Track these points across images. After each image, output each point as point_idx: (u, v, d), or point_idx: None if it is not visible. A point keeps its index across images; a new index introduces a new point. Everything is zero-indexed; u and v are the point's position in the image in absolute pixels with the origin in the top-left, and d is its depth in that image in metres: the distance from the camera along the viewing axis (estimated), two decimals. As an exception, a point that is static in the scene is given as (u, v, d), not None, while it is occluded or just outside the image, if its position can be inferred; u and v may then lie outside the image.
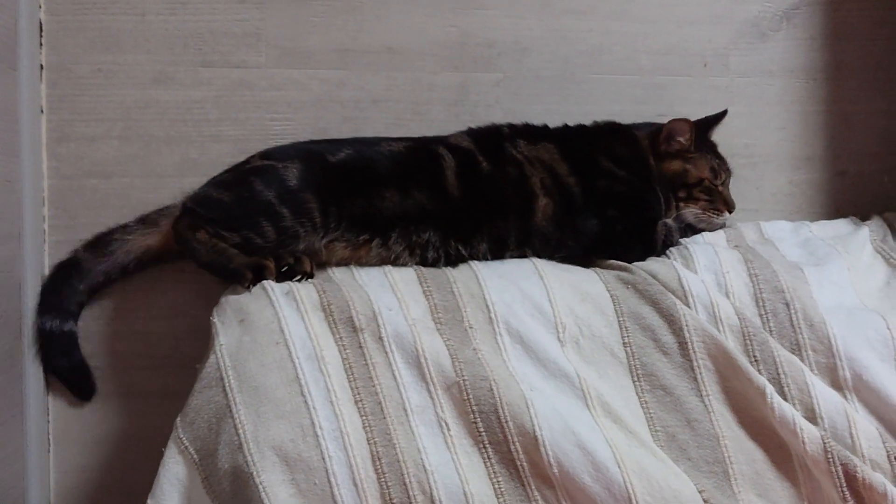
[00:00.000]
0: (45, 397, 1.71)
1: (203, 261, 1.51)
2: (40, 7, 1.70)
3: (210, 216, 1.51)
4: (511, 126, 1.68)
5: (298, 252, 1.50)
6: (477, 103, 1.79)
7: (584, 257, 1.57)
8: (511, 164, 1.60)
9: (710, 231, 1.68)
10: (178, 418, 1.37)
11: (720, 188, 1.68)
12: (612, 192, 1.60)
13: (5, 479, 1.58)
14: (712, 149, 1.72)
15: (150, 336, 1.72)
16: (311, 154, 1.57)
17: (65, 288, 1.64)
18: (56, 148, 1.72)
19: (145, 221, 1.63)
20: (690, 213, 1.67)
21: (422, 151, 1.60)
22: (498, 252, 1.56)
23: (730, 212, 1.68)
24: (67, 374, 1.67)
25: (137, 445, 1.72)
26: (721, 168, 1.70)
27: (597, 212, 1.58)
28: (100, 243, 1.64)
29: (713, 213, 1.67)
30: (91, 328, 1.72)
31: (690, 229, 1.68)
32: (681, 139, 1.66)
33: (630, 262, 1.54)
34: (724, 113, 1.73)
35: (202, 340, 1.48)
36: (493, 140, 1.64)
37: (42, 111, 1.71)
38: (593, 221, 1.57)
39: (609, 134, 1.69)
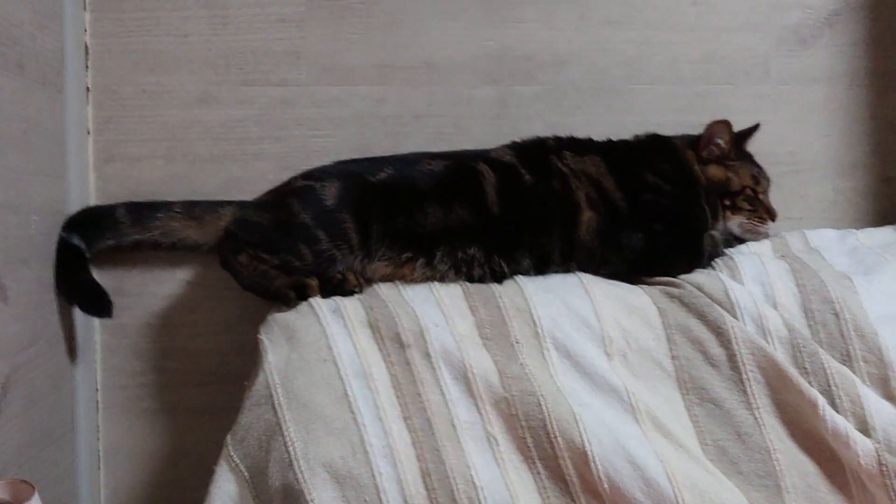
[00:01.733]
0: (96, 415, 1.74)
1: (246, 283, 1.53)
2: (86, 31, 1.74)
3: (249, 239, 1.53)
4: (557, 138, 1.67)
5: (342, 270, 1.51)
6: (518, 116, 1.79)
7: (629, 273, 1.56)
8: (556, 176, 1.59)
9: (754, 241, 1.67)
10: (229, 436, 1.39)
11: (761, 196, 1.67)
12: (658, 206, 1.59)
13: (57, 497, 1.60)
14: (750, 158, 1.71)
15: (196, 353, 1.74)
16: (351, 173, 1.57)
17: (93, 226, 1.63)
18: (103, 168, 1.75)
19: (192, 214, 1.62)
20: (735, 222, 1.66)
21: (461, 169, 1.60)
22: (542, 267, 1.56)
23: (773, 220, 1.67)
24: (80, 289, 1.62)
25: (186, 461, 1.74)
26: (761, 176, 1.69)
27: (641, 226, 1.57)
28: (142, 215, 1.63)
29: (757, 222, 1.66)
30: (139, 345, 1.75)
31: (735, 240, 1.66)
32: (720, 141, 1.65)
33: (675, 276, 1.53)
34: (757, 126, 1.72)
35: (248, 357, 1.49)
36: (537, 153, 1.63)
37: (89, 132, 1.74)
38: (638, 236, 1.56)
39: (652, 146, 1.68)
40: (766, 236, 1.68)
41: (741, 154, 1.69)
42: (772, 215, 1.67)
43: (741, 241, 1.67)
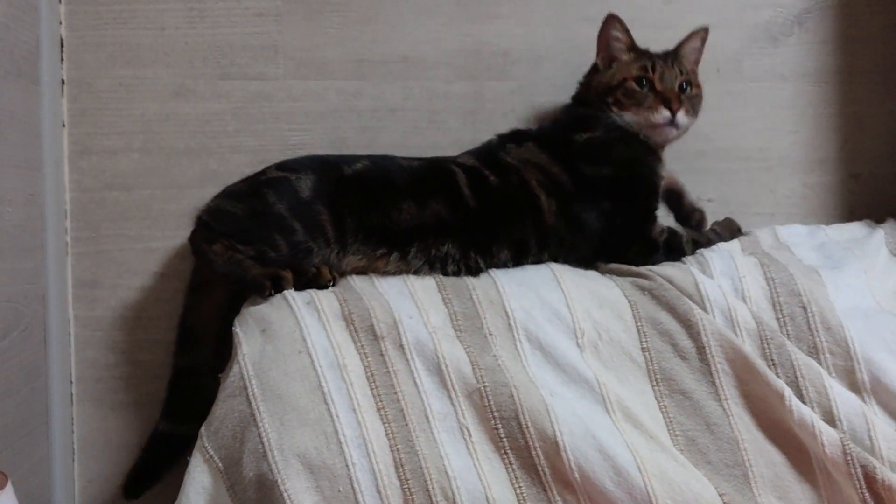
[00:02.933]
0: (70, 407, 1.74)
1: (220, 271, 1.51)
2: (61, 23, 1.73)
3: (223, 230, 1.52)
4: (499, 135, 1.69)
5: (316, 263, 1.51)
6: (493, 112, 1.81)
7: (596, 258, 1.59)
8: (511, 170, 1.61)
9: (664, 139, 1.65)
10: (203, 427, 1.39)
11: (658, 85, 1.61)
12: (599, 178, 1.61)
13: (31, 489, 1.60)
14: (650, 53, 1.67)
15: (171, 345, 1.70)
16: (327, 165, 1.58)
17: None
18: (78, 161, 1.75)
19: None
20: (627, 120, 1.62)
21: (436, 167, 1.62)
22: (520, 258, 1.58)
23: (668, 107, 1.60)
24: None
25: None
26: (660, 63, 1.63)
27: (592, 204, 1.59)
28: None
29: (647, 112, 1.61)
30: (114, 338, 1.75)
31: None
32: (618, 35, 1.65)
33: (635, 260, 1.57)
34: None
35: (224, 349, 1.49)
36: (489, 153, 1.65)
37: (64, 125, 1.74)
38: (593, 215, 1.59)
39: (571, 115, 1.70)
40: (678, 127, 1.62)
41: (641, 51, 1.67)
42: (666, 101, 1.60)
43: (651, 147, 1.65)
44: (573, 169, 1.61)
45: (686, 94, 1.63)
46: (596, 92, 1.66)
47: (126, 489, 1.67)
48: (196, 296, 1.62)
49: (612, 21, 1.66)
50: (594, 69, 1.70)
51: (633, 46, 1.67)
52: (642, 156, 1.63)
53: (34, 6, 1.64)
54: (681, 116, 1.60)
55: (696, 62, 1.71)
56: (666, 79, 1.62)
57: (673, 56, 1.67)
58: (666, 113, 1.60)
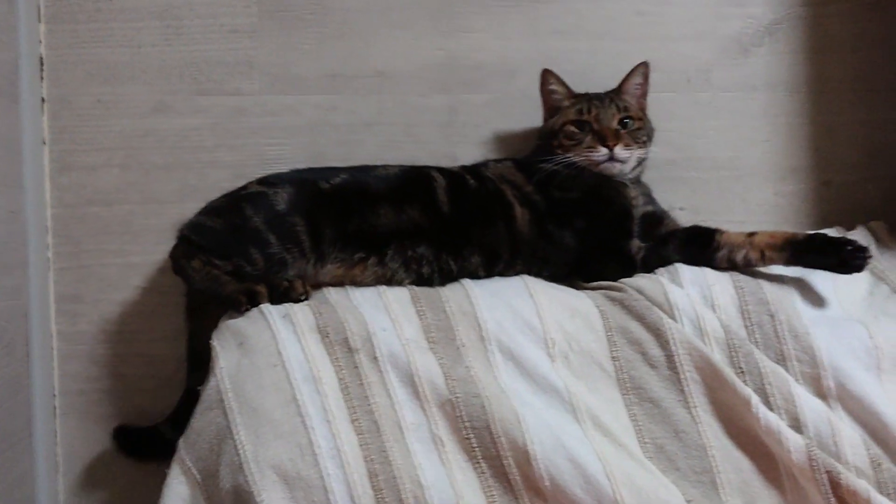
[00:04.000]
0: (53, 420, 1.76)
1: (198, 287, 1.55)
2: (41, 42, 1.76)
3: (202, 244, 1.55)
4: (486, 159, 1.78)
5: (290, 277, 1.53)
6: (466, 124, 1.84)
7: (569, 275, 1.62)
8: (488, 181, 1.67)
9: (616, 173, 1.66)
10: (181, 439, 1.41)
11: (595, 125, 1.65)
12: (567, 201, 1.64)
13: (17, 501, 1.63)
14: (588, 95, 1.71)
15: (152, 358, 1.76)
16: (305, 179, 1.61)
17: None
18: (58, 178, 1.77)
19: None
20: (574, 161, 1.64)
21: (414, 173, 1.66)
22: (491, 264, 1.61)
23: (605, 144, 1.62)
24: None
25: (144, 465, 1.76)
26: (595, 105, 1.67)
27: (566, 223, 1.63)
28: None
29: (587, 151, 1.63)
30: (96, 351, 1.78)
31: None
32: (554, 88, 1.72)
33: (612, 277, 1.59)
34: None
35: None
36: (473, 167, 1.73)
37: (44, 142, 1.76)
38: (567, 233, 1.62)
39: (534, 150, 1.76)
40: (622, 162, 1.65)
41: (580, 96, 1.72)
42: (602, 139, 1.63)
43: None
44: (545, 191, 1.65)
45: (627, 129, 1.67)
46: (544, 138, 1.72)
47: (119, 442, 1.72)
48: (196, 319, 1.65)
49: (547, 75, 1.72)
50: (544, 120, 1.75)
51: (571, 94, 1.73)
52: (603, 183, 1.66)
53: (13, 26, 1.66)
54: (619, 151, 1.63)
55: (643, 95, 1.75)
56: (602, 118, 1.66)
57: (614, 94, 1.72)
58: (603, 150, 1.63)
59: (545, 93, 1.73)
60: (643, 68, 1.73)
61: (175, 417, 1.64)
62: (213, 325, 1.52)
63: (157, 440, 1.67)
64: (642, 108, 1.74)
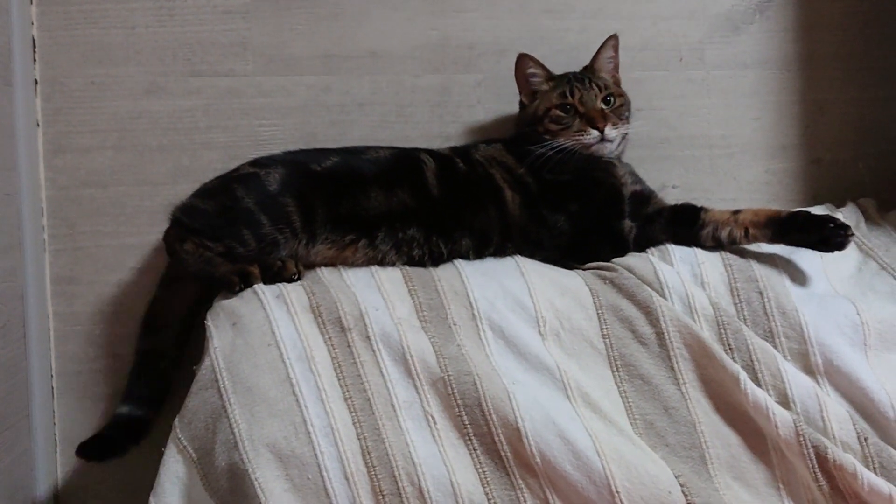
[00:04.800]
0: (51, 400, 1.78)
1: (192, 270, 1.56)
2: (33, 24, 1.76)
3: (195, 226, 1.56)
4: (476, 141, 1.79)
5: (283, 257, 1.55)
6: (459, 104, 1.84)
7: (563, 259, 1.62)
8: (478, 165, 1.68)
9: (607, 153, 1.66)
10: (177, 419, 1.43)
11: (581, 108, 1.66)
12: (559, 183, 1.65)
13: (15, 479, 1.65)
14: (568, 77, 1.71)
15: (146, 337, 1.78)
16: (297, 161, 1.62)
17: None
18: (53, 160, 1.78)
19: None
20: (563, 145, 1.64)
21: (404, 156, 1.66)
22: (482, 247, 1.61)
23: (594, 126, 1.63)
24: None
25: (141, 444, 1.77)
26: (577, 87, 1.67)
27: (559, 206, 1.63)
28: None
29: (576, 135, 1.64)
30: (93, 332, 1.79)
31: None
32: (533, 71, 1.71)
33: (607, 259, 1.60)
34: None
35: (199, 342, 1.53)
36: (463, 149, 1.73)
37: (38, 124, 1.77)
38: (561, 217, 1.63)
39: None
40: (611, 141, 1.65)
41: (558, 78, 1.72)
42: (591, 122, 1.64)
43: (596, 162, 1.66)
44: (537, 174, 1.65)
45: (611, 108, 1.68)
46: (528, 124, 1.71)
47: (80, 450, 1.65)
48: (166, 289, 1.67)
49: (524, 59, 1.71)
50: (521, 106, 1.75)
51: (550, 76, 1.72)
52: (594, 164, 1.67)
53: (5, 8, 1.67)
54: (609, 131, 1.64)
55: (616, 68, 1.75)
56: (586, 100, 1.66)
57: (590, 73, 1.72)
58: (594, 132, 1.64)
59: (523, 77, 1.72)
60: (613, 41, 1.73)
61: (129, 392, 1.66)
62: (181, 300, 1.59)
63: (120, 432, 1.66)
64: (617, 83, 1.74)
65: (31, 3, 1.75)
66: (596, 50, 1.73)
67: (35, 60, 1.76)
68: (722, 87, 1.88)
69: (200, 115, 1.80)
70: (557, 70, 1.75)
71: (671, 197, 1.82)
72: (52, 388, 1.78)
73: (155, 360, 1.65)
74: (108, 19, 1.78)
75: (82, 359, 1.79)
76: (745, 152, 1.89)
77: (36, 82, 1.77)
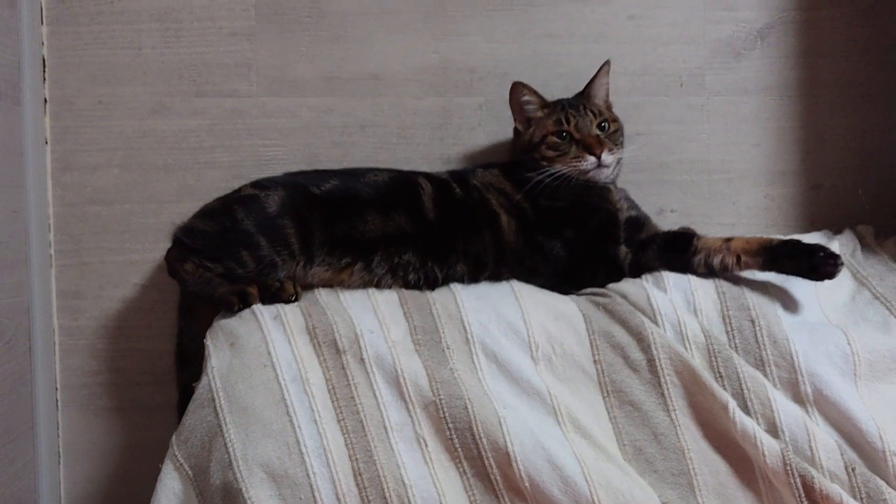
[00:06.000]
0: (55, 412, 1.81)
1: (192, 290, 1.59)
2: (43, 44, 1.80)
3: (195, 247, 1.59)
4: (475, 165, 1.79)
5: (281, 278, 1.57)
6: (460, 126, 1.86)
7: (559, 285, 1.63)
8: (474, 190, 1.69)
9: (602, 180, 1.68)
10: (174, 436, 1.46)
11: (577, 135, 1.67)
12: (554, 209, 1.66)
13: (19, 490, 1.68)
14: (562, 104, 1.73)
15: (151, 353, 1.81)
16: (297, 183, 1.64)
17: None
18: (60, 177, 1.82)
19: None
20: (562, 171, 1.65)
21: (402, 179, 1.68)
22: (477, 272, 1.63)
23: (592, 153, 1.64)
24: None
25: (142, 456, 1.81)
26: (572, 113, 1.69)
27: (554, 232, 1.65)
28: None
29: (574, 162, 1.65)
30: (96, 346, 1.83)
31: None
32: (527, 99, 1.73)
33: (603, 285, 1.61)
34: None
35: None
36: (460, 173, 1.75)
37: (46, 142, 1.81)
38: (557, 244, 1.64)
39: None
40: (607, 167, 1.66)
41: (553, 105, 1.74)
42: (588, 148, 1.65)
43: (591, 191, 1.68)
44: (533, 200, 1.67)
45: (606, 133, 1.69)
46: (524, 151, 1.72)
47: None
48: (187, 318, 1.69)
49: (518, 87, 1.73)
50: (516, 133, 1.77)
51: (544, 103, 1.74)
52: (590, 190, 1.68)
53: (16, 29, 1.71)
54: (605, 157, 1.65)
55: (608, 94, 1.77)
56: (582, 127, 1.68)
57: (584, 99, 1.74)
58: (591, 159, 1.65)
59: (518, 104, 1.74)
60: (606, 67, 1.75)
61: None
62: (203, 325, 1.56)
63: None
64: (609, 108, 1.77)
65: (42, 23, 1.79)
66: (592, 75, 1.75)
67: (45, 80, 1.80)
68: (722, 113, 1.89)
69: (205, 135, 1.83)
70: (558, 94, 1.77)
71: (669, 221, 1.84)
72: (57, 401, 1.82)
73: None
74: (116, 40, 1.81)
75: (86, 372, 1.83)
76: (744, 178, 1.90)
77: (45, 101, 1.80)
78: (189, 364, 1.65)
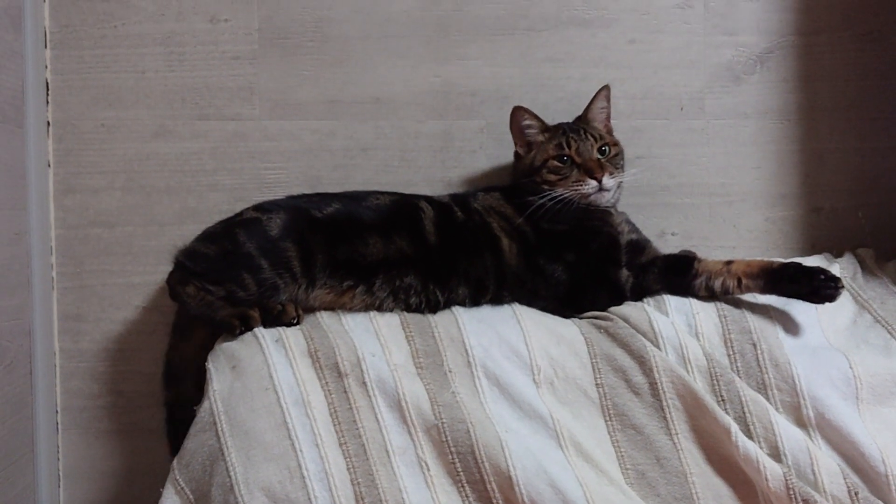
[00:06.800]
0: (56, 435, 1.81)
1: (194, 313, 1.59)
2: (47, 67, 1.81)
3: (196, 270, 1.59)
4: (474, 189, 1.80)
5: (283, 301, 1.57)
6: (461, 149, 1.87)
7: (561, 309, 1.63)
8: (475, 213, 1.70)
9: (605, 203, 1.68)
10: (175, 460, 1.46)
11: (578, 159, 1.68)
12: (555, 232, 1.67)
13: (18, 515, 1.68)
14: (562, 128, 1.73)
15: (152, 376, 1.79)
16: (299, 206, 1.65)
17: None
18: (63, 200, 1.82)
19: None
20: (564, 195, 1.65)
21: (404, 203, 1.69)
22: (478, 295, 1.63)
23: (593, 177, 1.65)
24: None
25: (143, 480, 1.81)
26: (573, 137, 1.69)
27: (556, 256, 1.65)
28: None
29: (575, 185, 1.65)
30: (98, 369, 1.83)
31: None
32: (528, 123, 1.74)
33: (605, 308, 1.61)
34: None
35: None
36: (462, 196, 1.75)
37: (49, 165, 1.82)
38: (559, 268, 1.64)
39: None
40: (608, 190, 1.66)
41: (554, 129, 1.74)
42: (589, 172, 1.66)
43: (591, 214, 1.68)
44: (535, 223, 1.67)
45: (607, 157, 1.70)
46: (525, 175, 1.73)
47: None
48: (179, 336, 1.69)
49: (519, 112, 1.74)
50: (517, 157, 1.77)
51: (545, 127, 1.75)
52: (591, 213, 1.69)
53: (19, 52, 1.71)
54: (606, 181, 1.66)
55: (608, 118, 1.78)
56: (583, 151, 1.69)
57: (584, 123, 1.75)
58: (593, 182, 1.65)
59: (519, 128, 1.75)
60: (605, 91, 1.76)
61: (173, 446, 1.66)
62: (194, 346, 1.58)
63: None
64: (609, 131, 1.78)
65: (46, 46, 1.80)
66: (590, 99, 1.76)
67: (48, 103, 1.81)
68: (722, 136, 1.90)
69: (207, 158, 1.84)
70: (558, 118, 1.78)
71: (670, 244, 1.85)
72: (57, 423, 1.81)
73: (182, 410, 1.62)
74: (119, 64, 1.83)
75: (87, 395, 1.83)
76: (744, 201, 1.90)
77: (48, 124, 1.81)
78: (175, 383, 1.66)
